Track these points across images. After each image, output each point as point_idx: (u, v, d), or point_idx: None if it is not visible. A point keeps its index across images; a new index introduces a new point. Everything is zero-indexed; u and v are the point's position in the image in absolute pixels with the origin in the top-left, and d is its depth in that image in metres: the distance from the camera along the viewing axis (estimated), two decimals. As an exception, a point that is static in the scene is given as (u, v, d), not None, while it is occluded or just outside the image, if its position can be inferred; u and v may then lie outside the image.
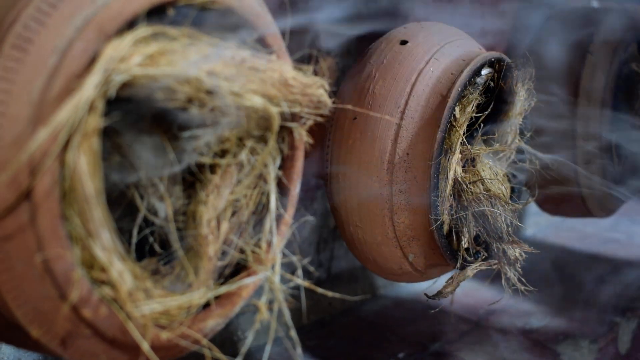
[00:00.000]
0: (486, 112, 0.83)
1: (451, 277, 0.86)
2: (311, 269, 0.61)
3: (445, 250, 0.81)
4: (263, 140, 0.58)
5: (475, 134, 0.84)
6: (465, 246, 0.84)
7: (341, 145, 0.81)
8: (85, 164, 0.45)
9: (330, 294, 0.59)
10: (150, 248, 0.58)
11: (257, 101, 0.54)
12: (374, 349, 1.09)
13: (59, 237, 0.46)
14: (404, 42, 0.84)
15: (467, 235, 0.84)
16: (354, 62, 0.89)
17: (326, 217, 1.16)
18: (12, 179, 0.43)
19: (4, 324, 0.48)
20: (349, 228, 0.84)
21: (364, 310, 1.24)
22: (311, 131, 0.61)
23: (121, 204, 0.57)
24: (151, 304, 0.50)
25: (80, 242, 0.47)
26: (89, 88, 0.45)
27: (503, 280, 0.86)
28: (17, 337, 0.49)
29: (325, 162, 0.84)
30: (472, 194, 0.81)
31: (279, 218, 0.60)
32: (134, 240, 0.55)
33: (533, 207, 1.15)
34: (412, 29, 0.87)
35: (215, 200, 0.56)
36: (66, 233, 0.46)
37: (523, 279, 0.85)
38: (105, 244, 0.47)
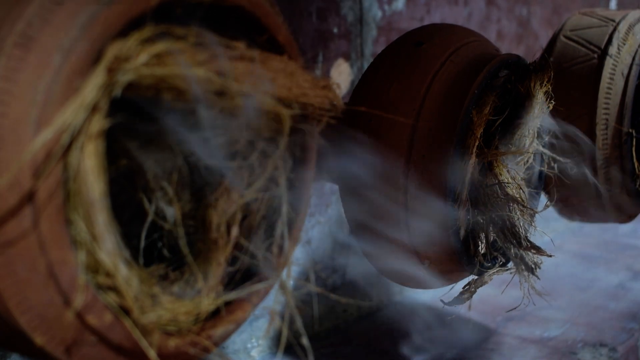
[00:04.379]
0: (503, 115, 0.82)
1: (468, 283, 0.85)
2: (323, 275, 0.60)
3: (461, 256, 0.80)
4: (274, 142, 0.56)
5: (492, 137, 0.83)
6: (483, 252, 0.82)
7: (355, 150, 0.80)
8: (89, 166, 0.44)
9: (343, 300, 0.57)
10: (159, 253, 0.57)
11: (267, 102, 0.52)
12: (389, 357, 1.07)
13: (63, 241, 0.44)
14: (419, 44, 0.82)
15: (484, 241, 0.82)
16: (368, 65, 0.87)
17: (341, 223, 1.15)
18: (14, 180, 0.42)
19: (8, 331, 0.47)
20: (364, 234, 0.83)
21: (380, 317, 1.22)
22: (324, 134, 0.60)
23: (129, 208, 0.55)
24: (158, 310, 0.49)
25: (84, 246, 0.45)
26: (93, 88, 0.43)
27: (520, 287, 0.84)
28: (21, 344, 0.48)
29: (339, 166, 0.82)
30: (489, 198, 0.79)
31: (291, 222, 0.58)
32: (142, 245, 0.54)
33: (551, 213, 1.14)
34: (428, 30, 0.85)
35: (225, 204, 0.55)
36: (70, 237, 0.45)
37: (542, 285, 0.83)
38: (111, 249, 0.46)
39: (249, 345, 1.02)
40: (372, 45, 1.17)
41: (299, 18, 1.03)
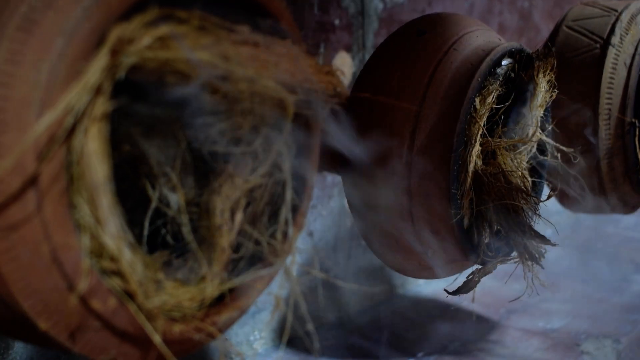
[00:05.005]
0: (507, 104, 0.82)
1: (472, 273, 0.85)
2: (327, 263, 0.60)
3: (465, 245, 0.79)
4: (278, 128, 0.56)
5: (495, 126, 0.82)
6: (486, 241, 0.82)
7: (358, 138, 0.79)
8: (93, 149, 0.43)
9: (348, 285, 0.57)
10: (163, 240, 0.56)
11: (271, 87, 0.52)
12: (392, 348, 1.07)
13: (66, 225, 0.44)
14: (421, 33, 0.82)
15: (487, 230, 0.82)
16: (371, 54, 0.87)
17: (343, 215, 1.15)
18: (17, 164, 0.42)
19: (11, 316, 0.47)
20: (367, 224, 0.83)
21: (382, 309, 1.22)
22: (327, 121, 0.60)
23: (132, 194, 0.55)
24: (163, 296, 0.49)
25: (88, 230, 0.45)
26: (97, 70, 0.43)
27: (524, 277, 0.84)
28: (25, 330, 0.48)
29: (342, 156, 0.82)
30: (493, 186, 0.79)
31: (295, 209, 0.58)
32: (146, 231, 0.54)
33: (554, 206, 1.13)
34: (430, 20, 0.85)
35: (229, 190, 0.55)
36: (74, 221, 0.44)
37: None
38: (115, 232, 0.46)
39: (251, 338, 1.02)
40: (374, 37, 1.16)
41: (300, 10, 1.03)
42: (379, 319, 1.18)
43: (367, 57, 1.14)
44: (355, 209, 0.84)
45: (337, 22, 1.09)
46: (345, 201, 0.86)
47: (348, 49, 1.11)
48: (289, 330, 0.55)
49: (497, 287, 1.04)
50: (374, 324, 1.16)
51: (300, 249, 0.58)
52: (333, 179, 1.12)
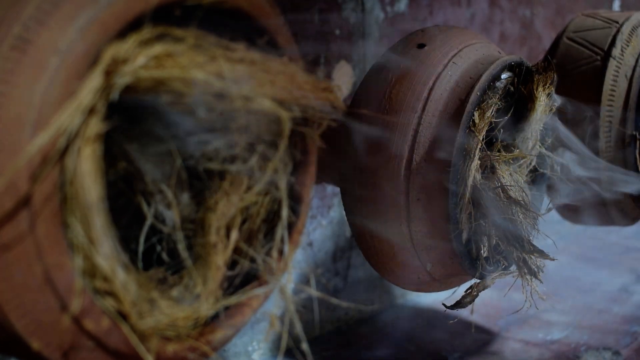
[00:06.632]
0: (506, 117, 0.81)
1: (470, 287, 0.84)
2: (324, 280, 0.60)
3: (464, 259, 0.79)
4: (274, 145, 0.56)
5: (494, 140, 0.82)
6: (485, 255, 0.82)
7: (357, 152, 0.79)
8: (86, 169, 0.43)
9: (344, 304, 0.57)
10: (158, 257, 0.56)
11: (267, 105, 0.52)
12: (391, 359, 1.07)
13: (59, 245, 0.44)
14: (421, 46, 0.82)
15: (486, 244, 0.81)
16: (370, 67, 0.87)
17: (343, 225, 1.14)
18: (10, 184, 0.41)
19: (4, 336, 0.46)
20: (366, 237, 0.82)
21: (382, 320, 1.22)
22: (325, 136, 0.60)
23: (128, 211, 0.55)
24: (157, 315, 0.49)
25: (81, 250, 0.45)
26: (90, 91, 0.43)
27: (523, 290, 0.84)
28: (18, 349, 0.47)
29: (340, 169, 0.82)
30: (492, 200, 0.79)
31: (291, 226, 0.58)
32: (141, 248, 0.54)
33: (554, 216, 1.13)
34: (430, 32, 0.84)
35: (225, 207, 0.54)
36: (67, 241, 0.44)
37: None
38: (108, 253, 0.45)
39: (249, 349, 1.02)
40: (375, 47, 1.16)
41: (301, 20, 1.03)
42: (378, 329, 1.18)
43: (368, 67, 1.14)
44: (353, 222, 0.83)
45: (337, 31, 1.09)
46: (344, 212, 0.86)
47: (348, 59, 1.11)
48: (285, 347, 0.55)
49: (496, 297, 1.04)
50: (373, 334, 1.16)
51: (298, 261, 0.58)
52: (333, 189, 1.12)
